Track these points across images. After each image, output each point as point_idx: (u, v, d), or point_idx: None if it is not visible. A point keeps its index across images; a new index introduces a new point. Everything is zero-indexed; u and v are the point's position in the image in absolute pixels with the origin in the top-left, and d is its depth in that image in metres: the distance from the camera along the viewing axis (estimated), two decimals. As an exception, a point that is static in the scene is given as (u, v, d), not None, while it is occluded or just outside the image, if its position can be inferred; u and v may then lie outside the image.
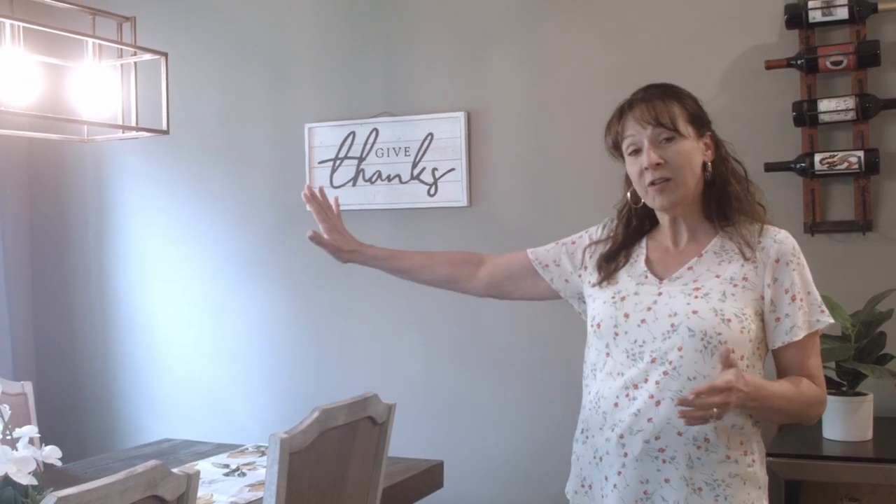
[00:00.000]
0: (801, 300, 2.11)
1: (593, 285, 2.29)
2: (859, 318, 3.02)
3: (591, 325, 2.22)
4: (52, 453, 2.35)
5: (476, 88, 4.04)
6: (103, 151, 4.74)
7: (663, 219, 2.25)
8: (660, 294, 2.14)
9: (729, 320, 2.06)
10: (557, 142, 3.91)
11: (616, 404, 2.11)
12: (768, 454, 2.92)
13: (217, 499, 2.83)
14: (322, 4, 4.34)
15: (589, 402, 2.20)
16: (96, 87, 3.35)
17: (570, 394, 3.82)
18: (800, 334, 2.09)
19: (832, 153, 3.36)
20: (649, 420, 2.06)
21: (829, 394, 3.06)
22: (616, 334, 2.15)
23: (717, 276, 2.13)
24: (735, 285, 2.11)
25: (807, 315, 2.11)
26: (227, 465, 3.22)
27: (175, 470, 1.93)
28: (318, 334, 4.35)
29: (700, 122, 2.21)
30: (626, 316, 2.15)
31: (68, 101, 3.47)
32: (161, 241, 4.67)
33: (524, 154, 3.97)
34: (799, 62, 3.42)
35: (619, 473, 2.11)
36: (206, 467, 3.19)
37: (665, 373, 2.06)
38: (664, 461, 2.07)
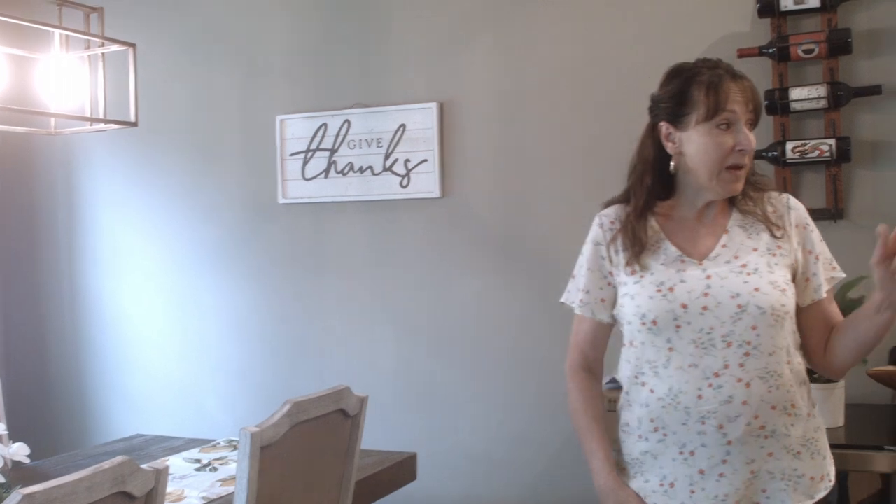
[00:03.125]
0: (820, 258, 2.19)
1: (626, 280, 2.20)
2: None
3: (643, 323, 2.13)
4: (19, 450, 2.32)
5: (448, 79, 4.02)
6: (72, 144, 4.69)
7: (702, 198, 2.18)
8: (709, 277, 2.12)
9: (784, 290, 2.11)
10: (530, 132, 3.90)
11: (700, 396, 2.08)
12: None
13: (188, 494, 2.80)
14: (293, -5, 4.32)
15: (658, 399, 2.12)
16: (63, 78, 3.31)
17: (541, 386, 3.85)
18: (824, 291, 2.18)
19: (804, 141, 3.37)
20: (744, 403, 2.06)
21: (802, 382, 3.08)
22: (678, 327, 2.10)
23: (755, 250, 2.15)
24: (773, 255, 2.15)
25: (826, 272, 2.20)
26: (198, 461, 3.19)
27: (143, 466, 1.90)
28: (290, 327, 4.32)
29: None
30: (684, 307, 2.10)
31: (35, 93, 3.42)
32: (131, 235, 4.63)
33: (497, 144, 3.96)
34: (771, 51, 3.42)
35: (725, 462, 2.08)
36: (178, 462, 3.16)
37: (746, 354, 2.07)
38: (766, 437, 2.08)
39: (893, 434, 3.00)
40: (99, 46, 3.36)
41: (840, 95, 3.34)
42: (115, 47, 3.33)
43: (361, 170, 4.12)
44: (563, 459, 3.81)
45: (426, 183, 4.02)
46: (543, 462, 3.88)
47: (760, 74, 3.46)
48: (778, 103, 3.39)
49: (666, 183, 2.22)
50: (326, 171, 4.19)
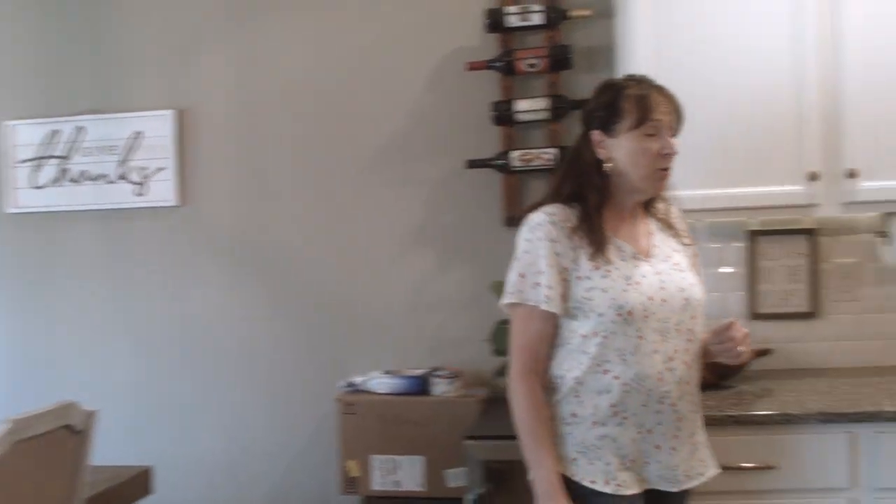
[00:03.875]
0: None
1: (590, 274, 2.31)
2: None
3: (618, 314, 2.28)
4: None
5: (187, 86, 3.98)
6: None
7: (632, 198, 2.40)
8: (658, 273, 2.36)
9: (701, 285, 2.43)
10: (270, 140, 3.91)
11: (660, 379, 2.30)
12: (469, 437, 3.08)
13: None
14: (21, -5, 4.14)
15: (623, 384, 2.29)
16: None
17: (279, 396, 3.87)
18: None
19: (528, 150, 3.55)
20: (688, 383, 2.36)
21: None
22: (646, 317, 2.30)
23: (676, 251, 2.45)
24: (684, 255, 2.46)
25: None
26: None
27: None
28: (22, 342, 4.14)
29: None
30: (651, 299, 2.31)
31: None
32: None
33: (237, 152, 3.95)
34: (498, 64, 3.59)
35: (676, 436, 2.35)
36: None
37: (689, 339, 2.36)
38: (696, 412, 2.41)
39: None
40: None
41: (560, 108, 3.55)
42: None
43: (96, 178, 4.01)
44: (301, 465, 3.85)
45: (164, 191, 3.95)
46: (280, 471, 3.90)
47: (489, 87, 3.63)
48: (504, 115, 3.56)
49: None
50: (58, 180, 4.04)
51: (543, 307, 2.31)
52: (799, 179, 3.15)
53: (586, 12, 3.56)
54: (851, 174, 3.12)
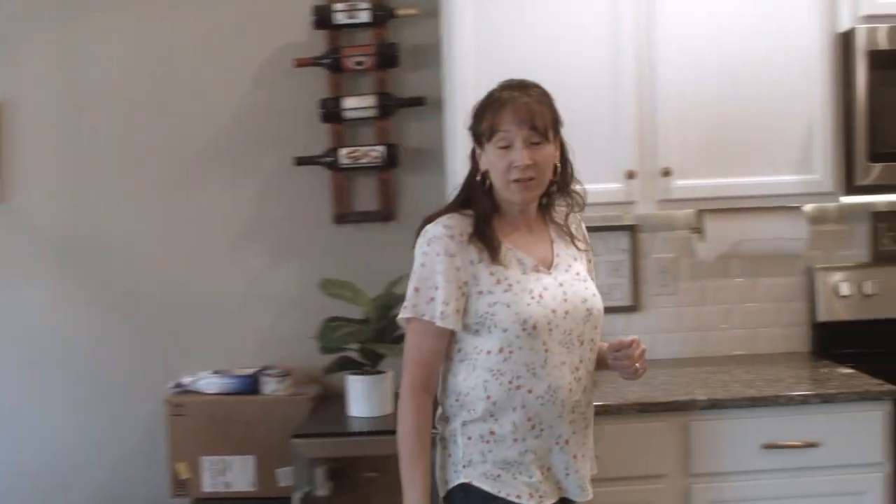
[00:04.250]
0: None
1: (492, 288, 2.28)
2: (378, 303, 3.23)
3: (524, 329, 2.25)
4: None
5: (5, 79, 3.82)
6: None
7: (512, 208, 2.36)
8: (561, 284, 2.33)
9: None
10: (95, 135, 3.78)
11: (570, 389, 2.30)
12: (296, 436, 3.08)
13: None
14: None
15: (537, 398, 2.27)
16: None
17: (109, 399, 3.75)
18: None
19: (356, 148, 3.56)
20: (591, 391, 2.40)
21: (353, 373, 3.27)
22: (550, 330, 2.27)
23: (576, 259, 2.42)
24: (582, 263, 2.44)
25: None
26: None
27: None
28: None
29: (558, 127, 2.36)
30: (554, 312, 2.28)
31: None
32: None
33: (60, 148, 3.80)
34: (325, 61, 3.58)
35: (585, 443, 2.39)
36: None
37: (591, 349, 2.37)
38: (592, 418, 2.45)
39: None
40: None
41: (388, 105, 3.57)
42: None
43: None
44: (129, 469, 3.76)
45: (-21, 188, 3.79)
46: (106, 476, 3.77)
47: (317, 84, 3.62)
48: (332, 112, 3.56)
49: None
50: None
51: (438, 323, 2.26)
52: (618, 177, 3.26)
53: (413, 11, 3.59)
54: (665, 173, 3.25)
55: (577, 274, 2.39)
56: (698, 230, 3.51)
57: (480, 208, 2.33)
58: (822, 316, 3.61)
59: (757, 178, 3.29)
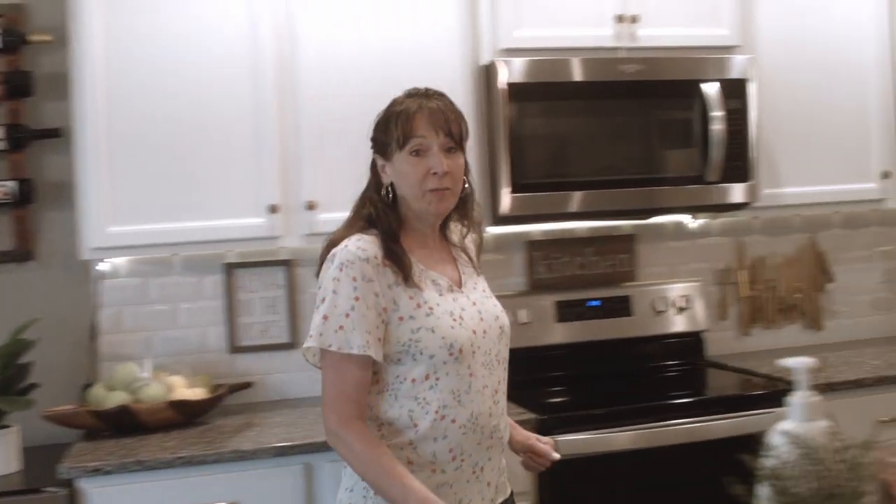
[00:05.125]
0: None
1: (414, 313, 2.11)
2: (3, 352, 2.97)
3: (450, 353, 2.11)
4: None
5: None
6: None
7: (423, 222, 2.22)
8: (474, 304, 2.22)
9: None
10: None
11: (490, 414, 2.18)
12: None
13: None
14: None
15: (459, 427, 2.13)
16: None
17: None
18: None
19: (-14, 182, 3.29)
20: (506, 413, 2.27)
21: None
22: (473, 352, 2.15)
23: (479, 275, 2.33)
24: (484, 282, 2.33)
25: None
26: None
27: None
28: None
29: (467, 139, 2.24)
30: (475, 332, 2.17)
31: None
32: None
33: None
34: (-51, 90, 3.30)
35: (500, 469, 2.26)
36: None
37: (505, 369, 2.27)
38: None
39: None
40: None
41: (21, 137, 3.32)
42: None
43: None
44: None
45: None
46: None
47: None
48: (-44, 144, 3.28)
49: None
50: None
51: (361, 353, 2.06)
52: (260, 212, 3.16)
53: (47, 37, 3.35)
54: (311, 206, 3.18)
55: (484, 291, 2.29)
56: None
57: (387, 225, 2.17)
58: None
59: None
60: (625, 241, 3.90)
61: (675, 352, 3.78)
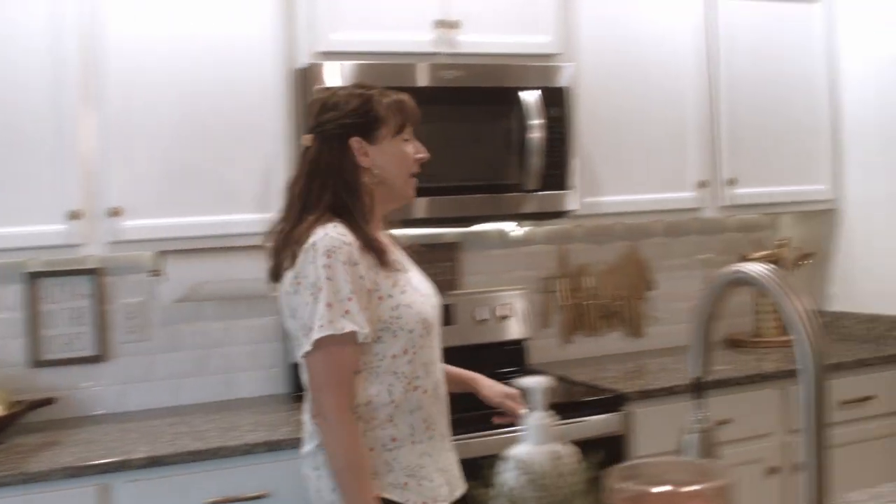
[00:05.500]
0: None
1: (391, 291, 2.24)
2: None
3: (424, 327, 2.27)
4: None
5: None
6: None
7: (387, 207, 2.37)
8: (423, 281, 2.37)
9: None
10: None
11: (443, 382, 2.35)
12: None
13: None
14: None
15: (429, 397, 2.28)
16: None
17: None
18: None
19: None
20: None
21: None
22: (434, 326, 2.32)
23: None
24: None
25: None
26: None
27: None
28: None
29: None
30: (434, 307, 2.34)
31: None
32: None
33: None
34: None
35: (449, 435, 2.38)
36: None
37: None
38: None
39: None
40: None
41: None
42: None
43: None
44: None
45: None
46: None
47: None
48: None
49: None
50: None
51: (363, 331, 2.15)
52: (61, 218, 2.98)
53: None
54: (115, 212, 3.03)
55: (419, 272, 2.41)
56: (158, 272, 3.30)
57: (359, 210, 2.25)
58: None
59: (218, 216, 3.15)
60: (448, 250, 3.86)
61: (498, 360, 3.74)
